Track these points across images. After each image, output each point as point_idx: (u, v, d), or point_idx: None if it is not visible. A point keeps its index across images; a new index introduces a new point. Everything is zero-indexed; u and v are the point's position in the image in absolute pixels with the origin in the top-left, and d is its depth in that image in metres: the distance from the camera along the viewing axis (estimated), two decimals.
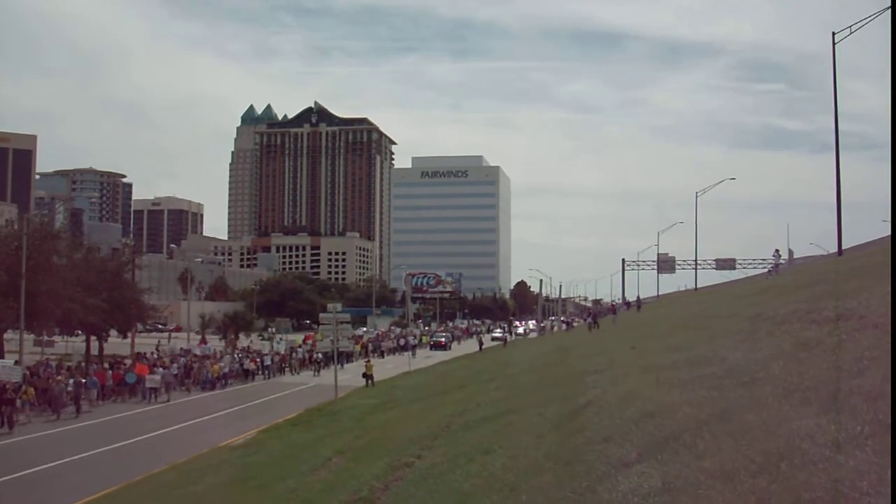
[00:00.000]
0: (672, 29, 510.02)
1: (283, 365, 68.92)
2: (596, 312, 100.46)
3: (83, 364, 53.70)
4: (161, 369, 51.44)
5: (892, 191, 5.16)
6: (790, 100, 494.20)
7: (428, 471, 14.11)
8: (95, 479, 24.49)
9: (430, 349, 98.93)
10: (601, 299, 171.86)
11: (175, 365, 55.15)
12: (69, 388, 42.29)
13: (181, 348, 72.04)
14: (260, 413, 41.76)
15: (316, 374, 65.76)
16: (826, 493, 6.58)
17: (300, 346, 77.07)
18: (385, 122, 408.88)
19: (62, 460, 28.54)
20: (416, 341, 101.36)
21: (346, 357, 69.12)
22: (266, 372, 64.36)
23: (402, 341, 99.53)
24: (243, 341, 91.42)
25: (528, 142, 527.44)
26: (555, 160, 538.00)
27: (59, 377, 43.91)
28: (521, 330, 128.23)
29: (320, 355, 67.89)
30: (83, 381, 43.89)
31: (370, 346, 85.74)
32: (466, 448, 15.11)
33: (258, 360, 65.70)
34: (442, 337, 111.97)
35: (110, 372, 50.42)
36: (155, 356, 60.99)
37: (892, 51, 5.38)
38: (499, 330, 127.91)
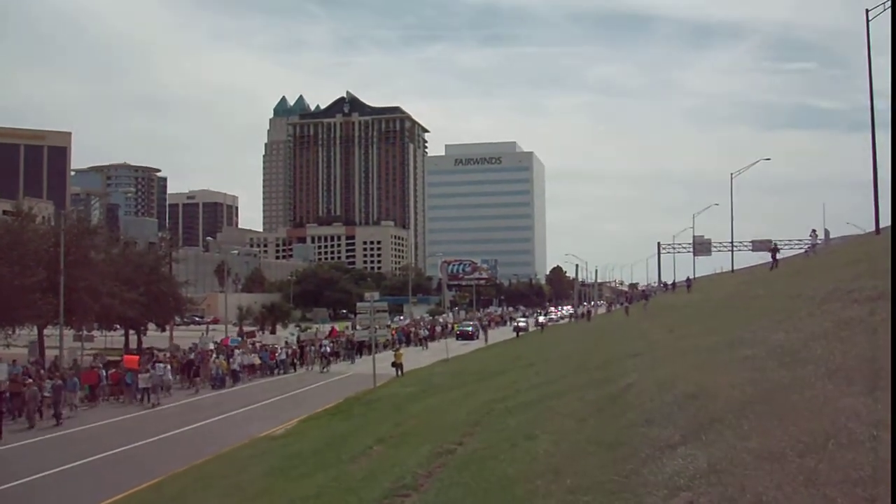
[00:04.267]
0: (700, 9, 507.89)
1: (295, 360, 63.62)
2: (631, 296, 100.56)
3: (77, 363, 49.77)
4: (160, 366, 46.58)
5: (892, 189, 5.16)
6: (821, 78, 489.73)
7: (471, 457, 14.14)
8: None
9: (457, 339, 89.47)
10: (636, 283, 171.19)
11: (161, 365, 47.22)
12: (46, 393, 37.65)
13: (193, 343, 65.17)
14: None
15: (324, 370, 60.60)
16: (874, 472, 6.55)
17: (325, 339, 72.30)
18: (416, 111, 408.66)
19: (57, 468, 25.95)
20: (437, 330, 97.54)
21: (367, 348, 64.03)
22: (280, 367, 60.27)
23: (424, 332, 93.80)
24: (281, 332, 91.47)
25: (559, 127, 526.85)
26: (587, 144, 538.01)
27: (30, 380, 37.94)
28: (542, 318, 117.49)
29: (328, 348, 65.76)
30: (61, 383, 38.82)
31: (396, 337, 79.54)
32: (509, 433, 15.13)
33: (275, 354, 61.64)
34: (469, 326, 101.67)
35: (104, 371, 46.18)
36: (158, 354, 56.09)
37: (892, 50, 5.36)
38: (522, 319, 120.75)
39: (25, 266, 49.41)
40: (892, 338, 8.09)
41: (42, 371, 43.72)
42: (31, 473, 25.04)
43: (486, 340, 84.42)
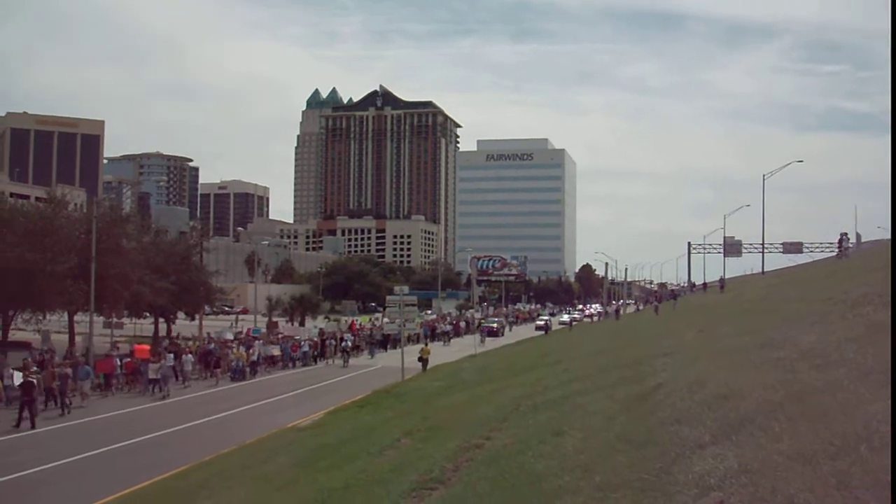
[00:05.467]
0: (733, 9, 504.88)
1: (315, 352, 63.37)
2: (661, 296, 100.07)
3: (90, 350, 48.39)
4: (170, 356, 46.73)
5: (892, 192, 5.13)
6: (855, 80, 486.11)
7: (498, 452, 14.12)
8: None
9: (482, 335, 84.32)
10: (666, 283, 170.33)
11: (172, 355, 47.53)
12: (58, 382, 36.91)
13: (207, 334, 66.48)
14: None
15: (345, 364, 60.06)
16: None
17: (348, 333, 72.26)
18: (447, 105, 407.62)
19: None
20: (461, 326, 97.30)
21: (391, 342, 67.85)
22: (302, 360, 60.73)
23: (447, 327, 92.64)
24: (310, 324, 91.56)
25: (590, 124, 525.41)
26: (618, 142, 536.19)
27: (34, 369, 36.83)
28: (566, 317, 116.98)
29: (349, 342, 65.43)
30: (67, 373, 37.89)
31: (421, 331, 78.82)
32: (537, 429, 15.09)
33: (297, 346, 62.01)
34: (494, 322, 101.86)
35: (118, 361, 45.93)
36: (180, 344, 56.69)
37: (892, 50, 5.32)
38: (545, 316, 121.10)
39: (57, 253, 49.62)
40: (892, 338, 8.04)
41: (55, 359, 43.48)
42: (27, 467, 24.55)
43: (481, 342, 78.42)
